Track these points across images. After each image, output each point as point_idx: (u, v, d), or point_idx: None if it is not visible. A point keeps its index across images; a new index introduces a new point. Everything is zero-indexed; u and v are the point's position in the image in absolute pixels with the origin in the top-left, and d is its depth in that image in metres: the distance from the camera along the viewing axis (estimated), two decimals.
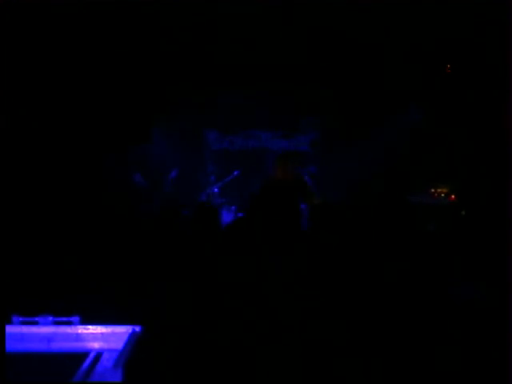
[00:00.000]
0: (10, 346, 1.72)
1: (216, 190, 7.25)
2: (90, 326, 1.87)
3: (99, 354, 1.77)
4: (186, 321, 2.45)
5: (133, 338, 1.83)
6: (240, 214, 6.45)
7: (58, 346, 1.81)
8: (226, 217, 6.89)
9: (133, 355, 1.77)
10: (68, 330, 1.87)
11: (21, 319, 1.88)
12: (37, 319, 1.88)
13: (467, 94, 6.19)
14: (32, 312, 1.92)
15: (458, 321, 2.36)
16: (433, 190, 6.78)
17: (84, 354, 1.77)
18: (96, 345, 1.81)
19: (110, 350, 1.77)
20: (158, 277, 2.88)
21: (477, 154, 6.40)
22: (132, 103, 6.75)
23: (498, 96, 4.88)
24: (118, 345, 1.79)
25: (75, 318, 1.89)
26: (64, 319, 1.88)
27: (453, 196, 6.46)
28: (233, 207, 6.95)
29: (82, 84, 6.09)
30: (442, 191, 6.75)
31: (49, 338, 1.83)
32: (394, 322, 2.38)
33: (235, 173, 7.27)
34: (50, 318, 1.88)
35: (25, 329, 1.87)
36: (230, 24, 5.03)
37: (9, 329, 1.77)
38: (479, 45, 4.83)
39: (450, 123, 6.65)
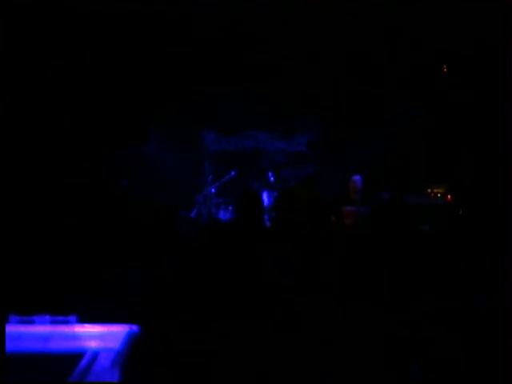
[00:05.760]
0: (7, 345, 1.71)
1: (213, 190, 7.25)
2: (87, 325, 1.86)
3: (96, 354, 1.76)
4: (184, 321, 2.45)
5: (130, 338, 1.83)
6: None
7: (54, 345, 1.80)
8: (223, 217, 6.91)
9: (130, 355, 1.76)
10: (65, 329, 1.86)
11: (17, 318, 1.87)
12: (33, 318, 1.87)
13: (465, 94, 6.21)
14: (29, 311, 1.91)
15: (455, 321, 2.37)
16: (429, 191, 6.80)
17: (81, 354, 1.75)
18: (93, 344, 1.80)
19: (107, 350, 1.76)
20: (156, 276, 2.88)
21: (474, 154, 6.42)
22: (130, 103, 6.74)
23: (497, 96, 4.89)
24: (116, 344, 1.78)
25: (72, 318, 1.88)
26: (61, 318, 1.87)
27: (449, 196, 6.47)
28: (230, 207, 6.96)
29: (81, 84, 6.08)
30: (439, 191, 6.77)
31: (45, 338, 1.82)
32: (393, 322, 2.39)
33: (232, 173, 7.28)
34: (47, 318, 1.87)
35: (21, 328, 1.86)
36: (228, 24, 5.03)
37: (6, 328, 1.76)
38: (479, 44, 4.85)
39: (448, 123, 6.67)
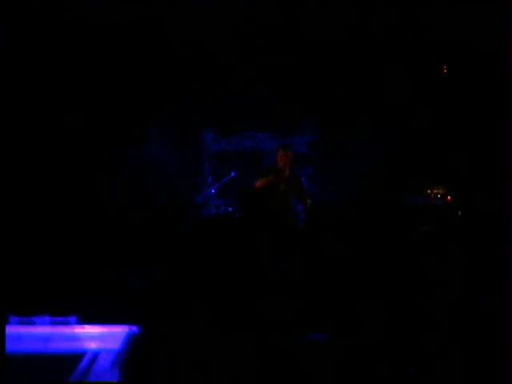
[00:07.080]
0: (7, 346, 1.71)
1: (213, 191, 7.24)
2: (87, 326, 1.86)
3: (96, 354, 1.76)
4: (184, 321, 2.45)
5: (130, 338, 1.83)
6: (238, 215, 6.44)
7: (54, 346, 1.81)
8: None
9: (130, 355, 1.76)
10: (65, 330, 1.86)
11: (18, 319, 1.87)
12: (34, 319, 1.87)
13: (465, 94, 6.21)
14: (29, 312, 1.91)
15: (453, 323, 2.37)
16: (429, 191, 6.79)
17: (81, 355, 1.76)
18: (93, 345, 1.80)
19: (107, 350, 1.76)
20: (155, 276, 2.88)
21: (474, 154, 6.42)
22: (130, 104, 6.74)
23: (497, 96, 4.89)
24: (116, 345, 1.79)
25: (72, 318, 1.88)
26: (61, 319, 1.87)
27: (449, 197, 6.46)
28: (230, 208, 6.95)
29: (80, 85, 6.08)
30: (439, 192, 6.76)
31: (46, 339, 1.82)
32: (390, 321, 2.39)
33: (232, 174, 7.26)
34: (47, 318, 1.87)
35: (21, 329, 1.86)
36: (227, 24, 5.03)
37: (6, 329, 1.76)
38: (478, 44, 4.85)
39: (448, 123, 6.67)
